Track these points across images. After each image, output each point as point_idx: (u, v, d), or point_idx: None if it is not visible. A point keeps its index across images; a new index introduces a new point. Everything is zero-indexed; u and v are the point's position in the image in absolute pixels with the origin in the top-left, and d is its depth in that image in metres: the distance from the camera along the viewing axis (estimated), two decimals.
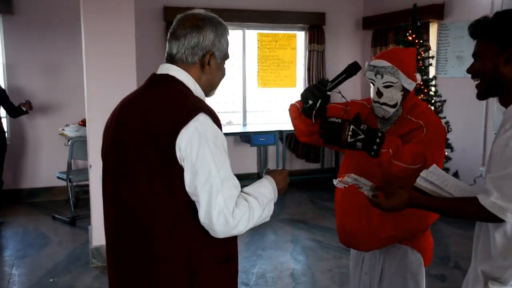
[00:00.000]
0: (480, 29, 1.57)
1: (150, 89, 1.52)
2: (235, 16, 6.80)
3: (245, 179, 6.51)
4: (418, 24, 5.62)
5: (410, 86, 2.08)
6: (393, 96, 2.07)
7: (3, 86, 5.67)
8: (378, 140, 1.89)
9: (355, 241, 2.18)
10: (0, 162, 5.42)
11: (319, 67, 7.35)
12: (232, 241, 1.51)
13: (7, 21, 6.13)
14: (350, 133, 1.88)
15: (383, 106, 2.07)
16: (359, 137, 1.89)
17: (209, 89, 1.60)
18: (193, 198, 1.38)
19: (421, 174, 1.71)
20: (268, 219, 1.50)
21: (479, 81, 1.61)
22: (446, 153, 4.66)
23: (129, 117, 1.48)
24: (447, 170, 5.19)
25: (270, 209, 1.49)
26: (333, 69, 7.42)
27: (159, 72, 1.55)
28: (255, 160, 7.37)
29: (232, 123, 7.31)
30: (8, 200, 5.99)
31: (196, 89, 1.52)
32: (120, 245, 1.51)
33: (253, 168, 7.33)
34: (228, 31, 1.58)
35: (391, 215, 1.89)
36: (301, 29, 7.43)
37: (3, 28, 6.17)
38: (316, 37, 7.30)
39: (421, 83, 5.46)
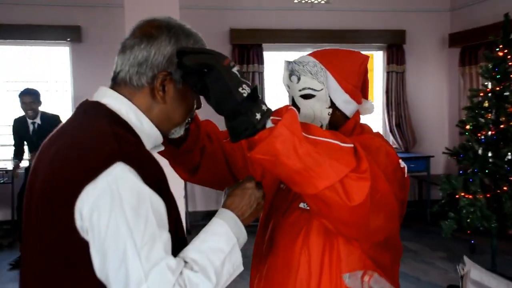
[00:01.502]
0: None
1: (70, 123, 1.10)
2: (306, 36, 6.38)
3: None
4: (511, 37, 4.83)
5: (347, 106, 1.37)
6: (315, 113, 1.35)
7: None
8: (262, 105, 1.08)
9: None
10: None
11: (398, 90, 6.71)
12: None
13: (76, 50, 6.10)
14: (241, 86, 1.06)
15: None
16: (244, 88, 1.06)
17: (168, 126, 1.15)
18: None
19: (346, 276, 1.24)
20: (237, 272, 1.08)
21: None
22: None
23: (41, 163, 1.07)
24: None
25: (233, 263, 1.06)
26: (415, 92, 6.77)
27: (93, 97, 1.11)
28: None
29: None
30: None
31: (142, 124, 1.09)
32: None
33: None
34: (204, 46, 1.16)
35: None
36: (378, 48, 6.87)
37: (71, 58, 6.16)
38: (395, 57, 6.68)
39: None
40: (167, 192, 1.04)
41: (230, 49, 6.30)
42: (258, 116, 1.04)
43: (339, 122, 1.38)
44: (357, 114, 1.42)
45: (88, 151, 0.98)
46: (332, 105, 1.36)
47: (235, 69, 1.05)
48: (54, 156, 1.02)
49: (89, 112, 1.08)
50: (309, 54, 1.40)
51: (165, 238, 0.96)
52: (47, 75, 6.20)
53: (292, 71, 1.37)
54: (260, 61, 6.28)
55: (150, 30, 1.08)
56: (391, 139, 6.71)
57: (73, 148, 1.00)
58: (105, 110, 1.06)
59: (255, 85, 1.13)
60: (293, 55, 6.62)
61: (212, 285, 0.99)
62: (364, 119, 1.48)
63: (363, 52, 1.44)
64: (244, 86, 1.04)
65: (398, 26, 6.68)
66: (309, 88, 1.34)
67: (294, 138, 1.03)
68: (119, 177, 0.93)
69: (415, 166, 6.17)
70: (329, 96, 1.35)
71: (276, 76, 6.60)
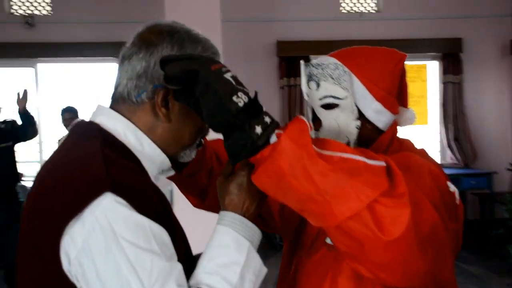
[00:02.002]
0: None
1: (61, 147, 0.96)
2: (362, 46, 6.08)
3: None
4: None
5: (380, 117, 1.11)
6: (340, 126, 1.10)
7: None
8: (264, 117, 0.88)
9: None
10: None
11: (456, 101, 6.31)
12: None
13: None
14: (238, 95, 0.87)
15: None
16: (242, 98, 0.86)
17: (175, 148, 0.98)
18: None
19: None
20: (261, 277, 0.91)
21: None
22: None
23: (32, 189, 0.93)
24: None
25: (254, 270, 0.89)
26: (473, 104, 6.37)
27: (90, 116, 0.97)
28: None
29: None
30: None
31: (143, 147, 0.93)
32: None
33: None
34: (217, 55, 0.99)
35: None
36: (433, 58, 6.48)
37: None
38: (452, 67, 6.30)
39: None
40: (169, 221, 0.89)
41: (277, 61, 6.14)
42: (258, 129, 0.84)
43: (371, 136, 1.11)
44: (394, 126, 1.14)
45: (73, 180, 0.83)
46: (361, 116, 1.10)
47: (228, 75, 0.86)
48: (39, 184, 0.90)
49: (81, 134, 0.94)
50: (330, 54, 1.15)
51: (177, 270, 0.82)
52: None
53: (310, 75, 1.12)
54: None
55: (150, 37, 0.94)
56: (448, 154, 6.34)
57: (58, 176, 0.87)
58: (99, 131, 0.91)
59: (255, 93, 0.97)
60: None
61: None
62: (413, 134, 1.20)
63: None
64: (240, 94, 0.85)
65: (454, 33, 6.31)
66: (330, 96, 1.09)
67: (303, 153, 0.82)
68: (109, 210, 0.78)
69: (476, 183, 5.78)
70: (356, 105, 1.10)
71: None
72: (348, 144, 1.10)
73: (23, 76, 5.97)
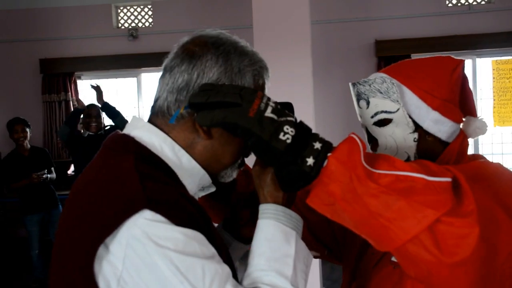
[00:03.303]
0: None
1: (94, 161, 0.91)
2: (462, 42, 5.71)
3: None
4: None
5: (440, 126, 1.03)
6: (397, 142, 1.04)
7: None
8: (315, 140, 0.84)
9: None
10: None
11: None
12: None
13: None
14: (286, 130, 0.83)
15: None
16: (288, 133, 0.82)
17: (216, 167, 0.93)
18: None
19: None
20: (310, 264, 0.89)
21: None
22: None
23: (66, 208, 0.89)
24: None
25: (303, 259, 0.86)
26: None
27: (124, 129, 0.93)
28: None
29: None
30: None
31: (181, 161, 0.89)
32: None
33: None
34: (265, 69, 0.93)
35: None
36: None
37: None
38: None
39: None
40: (211, 236, 0.83)
41: (375, 62, 5.91)
42: (310, 161, 0.81)
43: (433, 149, 1.05)
44: (462, 137, 1.06)
45: (106, 198, 0.79)
46: (418, 128, 1.04)
47: (269, 112, 0.82)
48: (71, 203, 0.87)
49: (114, 147, 0.90)
50: (380, 71, 1.10)
51: (227, 270, 0.79)
52: None
53: (358, 94, 1.08)
54: None
55: (193, 48, 0.89)
56: None
57: (90, 194, 0.83)
58: (134, 144, 0.88)
59: (299, 121, 0.86)
60: None
61: None
62: None
63: None
64: (286, 128, 0.81)
65: None
66: (382, 112, 1.04)
67: (352, 175, 0.79)
68: (147, 225, 0.75)
69: None
70: (411, 117, 1.04)
71: None
72: (408, 159, 1.04)
73: (127, 86, 6.32)
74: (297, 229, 0.89)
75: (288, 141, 0.80)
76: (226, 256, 0.86)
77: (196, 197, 0.92)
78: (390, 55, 5.74)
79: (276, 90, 3.37)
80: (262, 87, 0.93)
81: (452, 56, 1.08)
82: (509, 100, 5.95)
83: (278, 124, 0.81)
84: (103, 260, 0.76)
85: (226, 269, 0.79)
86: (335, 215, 0.83)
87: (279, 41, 3.02)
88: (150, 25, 6.12)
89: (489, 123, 5.83)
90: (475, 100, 5.84)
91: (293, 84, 3.03)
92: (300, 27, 2.97)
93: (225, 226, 1.09)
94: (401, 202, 0.77)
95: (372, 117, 1.06)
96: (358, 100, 1.09)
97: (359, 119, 1.12)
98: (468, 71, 5.96)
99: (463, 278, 0.79)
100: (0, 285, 4.86)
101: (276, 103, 0.84)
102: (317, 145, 0.82)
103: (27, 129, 4.75)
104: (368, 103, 1.06)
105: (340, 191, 0.79)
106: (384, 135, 1.06)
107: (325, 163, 0.81)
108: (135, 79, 6.26)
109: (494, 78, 5.96)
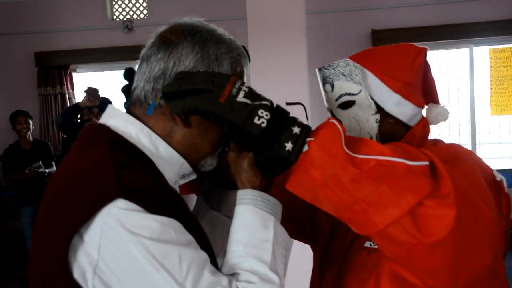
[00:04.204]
0: None
1: (70, 152, 0.91)
2: (459, 31, 5.68)
3: None
4: None
5: (401, 109, 1.06)
6: (360, 124, 1.08)
7: None
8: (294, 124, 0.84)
9: None
10: None
11: None
12: None
13: None
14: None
15: None
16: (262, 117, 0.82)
17: (196, 156, 0.93)
18: None
19: None
20: (290, 249, 0.90)
21: None
22: None
23: (45, 197, 0.89)
24: None
25: (282, 243, 0.87)
26: None
27: (101, 119, 0.93)
28: None
29: None
30: None
31: (158, 150, 0.89)
32: None
33: None
34: (243, 56, 0.93)
35: None
36: None
37: None
38: None
39: None
40: (190, 225, 0.83)
41: None
42: (289, 145, 0.81)
43: (395, 131, 1.08)
44: (423, 123, 1.10)
45: (81, 187, 0.79)
46: (380, 110, 1.08)
47: (241, 96, 0.81)
48: (48, 193, 0.87)
49: (90, 137, 0.90)
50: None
51: (205, 256, 0.80)
52: None
53: (324, 79, 1.12)
54: None
55: (170, 36, 0.89)
56: None
57: (65, 183, 0.84)
58: (109, 133, 0.87)
59: (276, 105, 0.86)
60: (450, 53, 5.97)
61: (276, 285, 0.83)
62: None
63: None
64: (260, 112, 0.81)
65: None
66: (345, 94, 1.08)
67: (334, 162, 0.79)
68: (121, 215, 0.75)
69: None
70: (373, 99, 1.07)
71: None
72: None
73: (122, 78, 6.28)
74: (276, 214, 0.89)
75: (263, 125, 0.80)
76: (205, 243, 0.86)
77: (177, 185, 0.93)
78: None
79: (271, 81, 3.35)
80: (240, 74, 0.93)
81: (415, 44, 1.11)
82: (506, 89, 5.95)
83: (251, 108, 0.80)
84: (78, 250, 0.76)
85: (203, 255, 0.80)
86: (315, 199, 0.84)
87: (274, 31, 2.98)
88: (145, 17, 6.09)
89: (486, 112, 5.83)
90: (471, 89, 5.86)
91: (288, 74, 3.00)
92: (295, 17, 2.94)
93: (211, 181, 1.09)
94: (383, 187, 0.78)
95: (336, 99, 1.10)
96: (324, 85, 1.12)
97: (325, 103, 1.15)
98: (465, 60, 5.96)
99: (441, 258, 0.81)
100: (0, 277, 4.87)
101: (249, 88, 0.83)
102: (296, 130, 0.81)
103: (30, 121, 4.80)
104: (332, 86, 1.09)
105: (322, 177, 0.80)
106: (348, 117, 1.09)
107: (304, 148, 0.81)
108: None
109: (491, 66, 5.96)
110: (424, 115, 1.13)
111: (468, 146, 6.04)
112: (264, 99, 0.83)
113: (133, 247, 0.74)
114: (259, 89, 0.89)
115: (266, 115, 0.80)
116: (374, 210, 0.79)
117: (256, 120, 0.80)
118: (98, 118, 3.59)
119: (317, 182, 0.81)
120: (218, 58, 0.89)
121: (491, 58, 5.97)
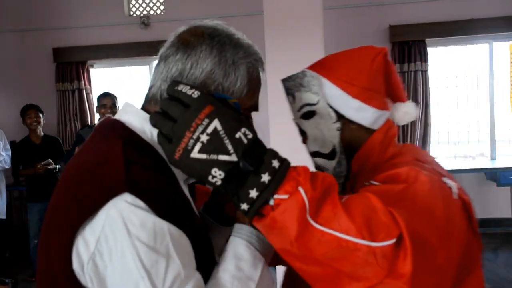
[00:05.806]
0: None
1: (84, 146, 0.93)
2: (479, 26, 5.58)
3: (495, 226, 5.53)
4: None
5: (362, 114, 1.06)
6: (323, 133, 1.08)
7: None
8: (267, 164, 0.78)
9: None
10: None
11: None
12: None
13: None
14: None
15: (316, 159, 1.12)
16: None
17: None
18: None
19: None
20: None
21: None
22: None
23: (56, 190, 0.90)
24: None
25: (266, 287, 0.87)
26: None
27: (116, 115, 0.95)
28: (508, 203, 5.82)
29: (473, 157, 6.08)
30: None
31: None
32: None
33: (505, 212, 5.81)
34: (260, 61, 0.93)
35: None
36: None
37: None
38: None
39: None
40: (193, 227, 0.85)
41: (390, 47, 5.80)
42: (253, 193, 0.76)
43: (358, 137, 1.08)
44: (388, 125, 1.09)
45: (91, 181, 0.80)
46: (342, 117, 1.07)
47: (195, 151, 0.77)
48: (59, 186, 0.88)
49: (104, 132, 0.91)
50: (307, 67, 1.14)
51: (195, 279, 0.78)
52: None
53: (286, 90, 1.12)
54: (424, 58, 5.68)
55: (189, 38, 0.90)
56: None
57: (77, 176, 0.84)
58: (123, 129, 0.88)
59: (254, 138, 0.81)
60: (469, 49, 5.88)
61: None
62: None
63: None
64: (214, 171, 0.77)
65: None
66: (305, 105, 1.09)
67: (292, 241, 0.76)
68: (124, 210, 0.76)
69: None
70: (332, 108, 1.07)
71: (443, 74, 5.94)
72: (334, 149, 1.08)
73: (139, 74, 6.32)
74: (266, 256, 0.89)
75: (218, 183, 0.77)
76: (207, 252, 0.87)
77: (186, 184, 0.92)
78: (404, 40, 5.66)
79: None
80: (256, 79, 0.93)
81: (374, 46, 1.10)
82: None
83: (205, 165, 0.77)
84: (81, 241, 0.77)
85: (193, 275, 0.79)
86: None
87: (291, 27, 2.95)
88: (162, 13, 6.09)
89: (506, 109, 5.72)
90: (491, 85, 5.76)
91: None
92: (312, 13, 2.91)
93: (206, 209, 1.09)
94: (333, 270, 0.76)
95: (298, 110, 1.10)
96: (287, 96, 1.12)
97: (292, 116, 1.14)
98: (484, 55, 5.85)
99: None
100: (5, 275, 4.89)
101: (213, 131, 0.77)
102: (253, 194, 0.76)
103: (40, 115, 4.76)
104: (294, 97, 1.10)
105: (279, 245, 0.78)
106: (311, 127, 1.10)
107: (270, 202, 0.77)
108: (147, 67, 6.25)
109: (511, 62, 5.86)
110: (390, 116, 1.11)
111: (487, 143, 6.00)
112: (222, 147, 0.77)
113: (126, 248, 0.75)
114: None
115: (220, 174, 0.77)
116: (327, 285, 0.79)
117: (210, 179, 0.78)
118: (112, 112, 3.61)
119: (275, 246, 0.79)
120: (235, 62, 0.89)
121: (511, 53, 5.86)
